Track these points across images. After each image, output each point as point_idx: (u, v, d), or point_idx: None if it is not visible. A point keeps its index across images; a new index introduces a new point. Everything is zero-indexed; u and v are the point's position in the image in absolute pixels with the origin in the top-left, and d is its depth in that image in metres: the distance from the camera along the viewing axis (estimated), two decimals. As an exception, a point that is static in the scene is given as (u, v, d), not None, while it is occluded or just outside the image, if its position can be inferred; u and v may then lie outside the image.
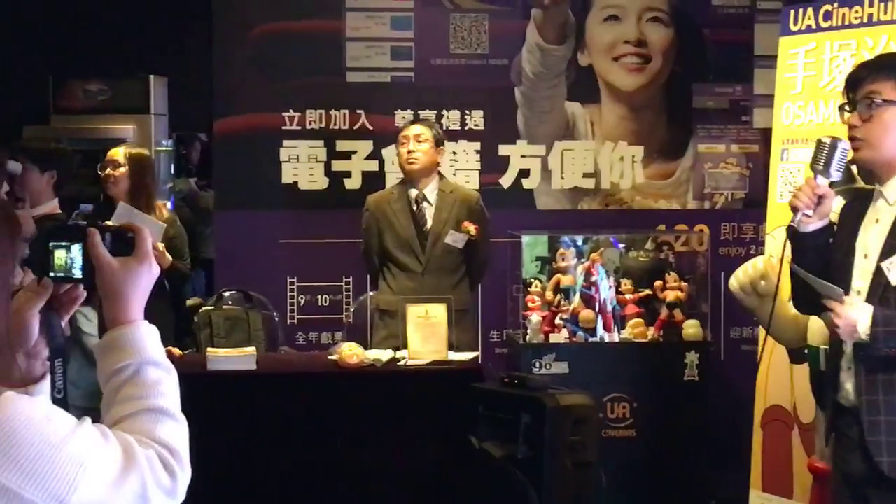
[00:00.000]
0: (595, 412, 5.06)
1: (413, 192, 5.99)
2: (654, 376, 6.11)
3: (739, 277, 4.74)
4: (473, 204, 6.05)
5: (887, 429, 3.28)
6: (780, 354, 5.36)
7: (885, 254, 3.32)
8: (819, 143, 3.39)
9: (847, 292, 3.37)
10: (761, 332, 5.67)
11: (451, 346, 5.55)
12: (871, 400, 3.30)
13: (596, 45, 7.02)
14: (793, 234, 3.42)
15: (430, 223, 5.97)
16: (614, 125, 7.05)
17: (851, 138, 3.37)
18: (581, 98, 7.02)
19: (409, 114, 6.87)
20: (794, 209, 3.40)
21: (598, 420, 5.25)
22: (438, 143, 5.98)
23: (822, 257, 3.42)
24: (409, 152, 5.92)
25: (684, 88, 7.06)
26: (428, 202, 5.99)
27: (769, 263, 4.82)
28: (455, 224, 5.94)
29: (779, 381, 5.60)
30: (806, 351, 4.81)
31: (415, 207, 5.99)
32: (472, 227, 5.91)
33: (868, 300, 3.31)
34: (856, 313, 3.25)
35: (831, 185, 3.76)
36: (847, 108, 3.41)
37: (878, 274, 3.31)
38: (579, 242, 6.41)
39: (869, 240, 3.38)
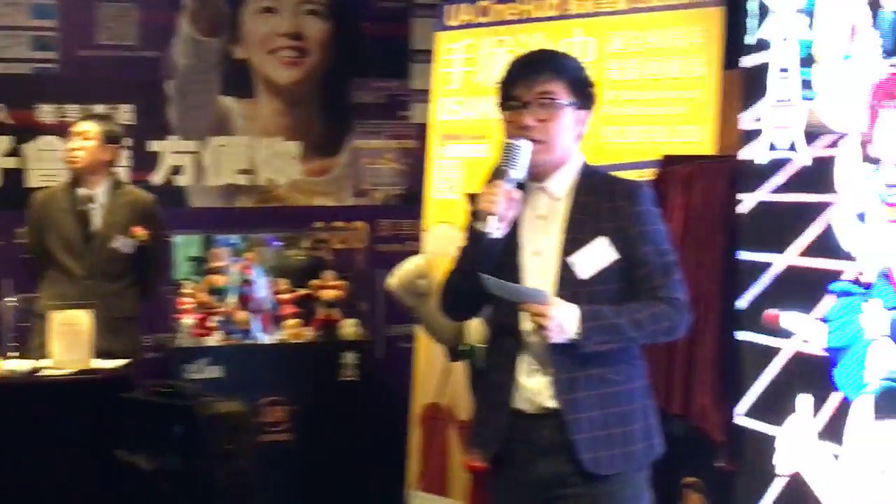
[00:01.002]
0: (249, 418, 4.93)
1: (80, 192, 5.66)
2: (311, 377, 6.03)
3: (398, 276, 4.70)
4: (147, 208, 5.77)
5: (588, 426, 3.26)
6: (437, 352, 5.35)
7: (567, 250, 3.29)
8: (508, 145, 3.29)
9: None
10: (418, 329, 5.65)
11: (110, 356, 5.26)
12: (571, 399, 3.27)
13: (251, 37, 6.87)
14: (479, 239, 3.30)
15: (96, 225, 5.65)
16: (270, 120, 6.92)
17: (527, 138, 3.30)
18: (236, 92, 6.85)
19: (52, 108, 6.54)
20: (487, 214, 3.27)
21: (253, 426, 5.12)
22: (111, 140, 5.69)
23: (493, 259, 3.35)
24: (70, 150, 5.61)
25: (342, 83, 6.99)
26: (93, 203, 5.67)
27: (428, 261, 4.78)
28: (124, 228, 5.64)
29: (436, 378, 5.60)
30: (461, 349, 4.79)
31: (81, 208, 5.66)
32: (142, 233, 5.63)
33: (558, 297, 3.26)
34: (562, 313, 3.21)
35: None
36: (512, 105, 3.33)
37: (565, 270, 3.28)
38: (235, 241, 6.26)
39: (537, 237, 3.34)
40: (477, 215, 3.27)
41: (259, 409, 5.79)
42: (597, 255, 3.28)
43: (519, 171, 3.26)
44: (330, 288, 6.26)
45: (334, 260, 6.49)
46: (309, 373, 6.01)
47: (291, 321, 6.12)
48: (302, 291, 6.24)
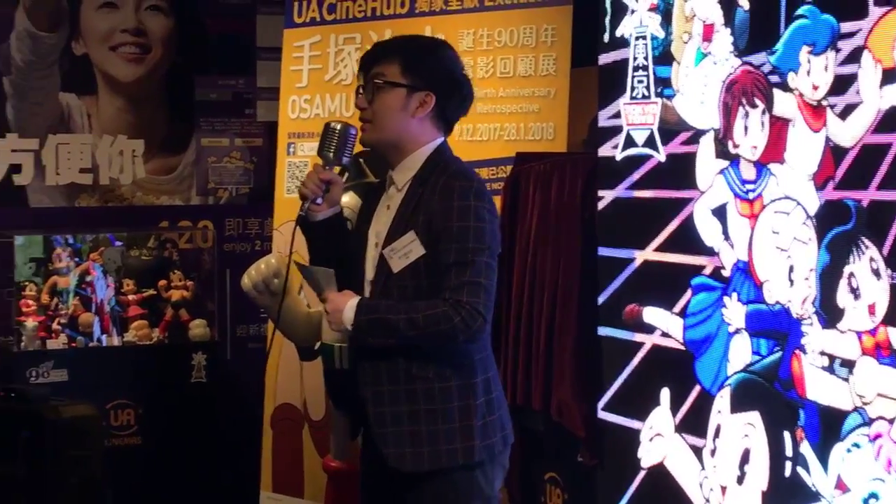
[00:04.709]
0: (99, 422, 4.85)
1: None
2: (160, 379, 5.96)
3: (252, 275, 4.61)
4: None
5: (392, 420, 3.24)
6: (289, 352, 5.30)
7: (388, 241, 3.29)
8: (327, 127, 3.34)
9: (362, 283, 3.33)
10: (270, 329, 5.60)
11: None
12: (377, 391, 3.26)
13: (91, 33, 6.70)
14: (304, 223, 3.34)
15: None
16: (113, 118, 6.76)
17: (361, 121, 3.32)
18: (77, 89, 6.68)
19: None
20: (303, 198, 3.31)
21: (101, 430, 5.01)
22: None
23: (337, 247, 3.35)
24: None
25: (186, 80, 6.87)
26: None
27: (281, 260, 4.72)
28: None
29: (289, 378, 5.55)
30: (317, 347, 4.75)
31: None
32: None
33: (373, 288, 3.29)
34: (339, 301, 3.22)
35: (344, 177, 3.71)
36: (361, 91, 3.36)
37: (381, 262, 3.28)
38: (77, 242, 6.12)
39: (379, 227, 3.36)
40: (302, 199, 3.33)
41: (106, 413, 5.67)
42: (406, 249, 3.26)
43: (338, 155, 3.30)
44: (177, 288, 6.18)
45: (181, 260, 6.39)
46: (157, 375, 5.93)
47: (138, 322, 6.02)
48: (149, 292, 6.15)
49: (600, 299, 4.10)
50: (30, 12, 6.56)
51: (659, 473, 3.86)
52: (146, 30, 6.79)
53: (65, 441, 4.58)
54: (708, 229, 3.65)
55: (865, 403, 3.14)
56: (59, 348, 5.81)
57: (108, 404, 5.74)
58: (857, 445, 3.18)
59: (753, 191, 3.49)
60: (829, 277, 3.23)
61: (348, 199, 3.93)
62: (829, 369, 3.24)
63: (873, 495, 3.14)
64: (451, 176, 3.29)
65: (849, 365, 3.18)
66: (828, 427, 3.26)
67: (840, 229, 3.19)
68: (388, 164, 3.39)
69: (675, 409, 3.79)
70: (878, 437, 3.12)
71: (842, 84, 3.19)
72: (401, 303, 3.22)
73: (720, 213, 3.60)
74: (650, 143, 3.88)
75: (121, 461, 5.57)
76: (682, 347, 3.75)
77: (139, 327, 6.04)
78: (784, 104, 3.36)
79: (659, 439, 3.85)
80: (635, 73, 3.94)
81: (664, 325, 3.82)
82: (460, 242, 3.19)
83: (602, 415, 4.10)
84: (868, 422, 3.14)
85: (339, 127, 3.30)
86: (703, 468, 3.69)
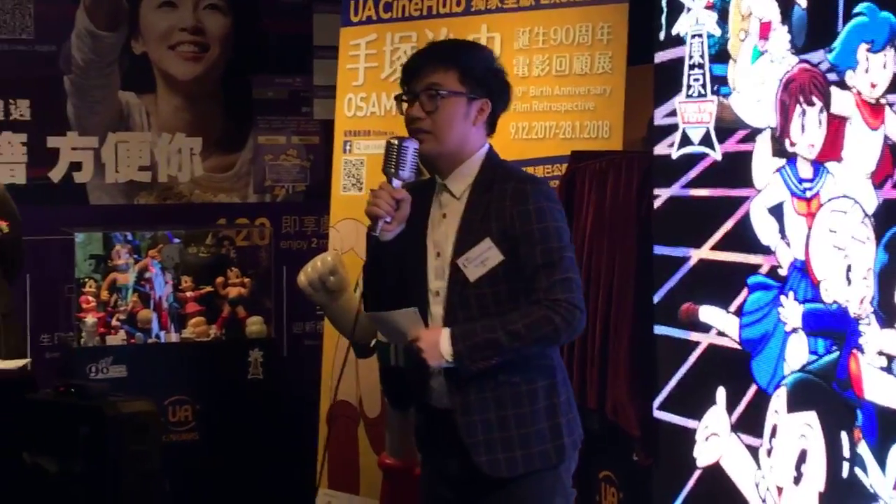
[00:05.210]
0: (157, 418, 4.87)
1: None
2: (217, 376, 5.97)
3: (308, 273, 4.64)
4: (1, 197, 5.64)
5: (483, 428, 3.22)
6: (344, 349, 5.31)
7: (458, 251, 3.26)
8: (389, 144, 3.27)
9: (426, 294, 3.30)
10: (326, 326, 5.62)
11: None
12: (463, 401, 3.24)
13: (150, 32, 6.79)
14: (375, 243, 3.29)
15: None
16: (171, 116, 6.84)
17: (415, 131, 3.29)
18: (136, 87, 6.77)
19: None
20: (374, 217, 3.24)
21: (160, 426, 5.04)
22: None
23: (400, 263, 3.33)
24: None
25: (243, 78, 6.94)
26: None
27: (337, 258, 4.74)
28: None
29: (345, 376, 5.56)
30: (373, 345, 4.76)
31: None
32: (3, 224, 5.50)
33: (448, 300, 3.25)
34: (431, 339, 3.18)
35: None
36: (405, 98, 3.32)
37: (455, 272, 3.24)
38: (136, 239, 6.17)
39: (438, 237, 3.32)
40: (373, 219, 3.25)
41: (164, 409, 5.71)
42: (483, 257, 3.22)
43: (403, 170, 3.23)
44: (234, 285, 6.21)
45: (238, 257, 6.43)
46: (214, 371, 5.95)
47: (196, 319, 6.06)
48: (206, 289, 6.18)
49: (656, 298, 4.08)
50: (90, 12, 6.65)
51: (714, 473, 3.84)
52: (204, 28, 6.87)
53: (124, 437, 4.57)
54: (764, 228, 3.63)
55: (924, 404, 3.12)
56: (118, 344, 5.85)
57: (166, 400, 5.78)
58: (915, 446, 3.16)
59: (811, 189, 3.46)
60: (887, 277, 3.20)
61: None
62: (888, 369, 3.21)
63: (932, 496, 3.11)
64: (519, 180, 3.28)
65: (907, 365, 3.16)
66: (886, 427, 3.23)
67: (898, 228, 3.17)
68: (435, 172, 3.35)
69: (730, 408, 3.77)
70: (936, 437, 3.10)
71: (901, 82, 3.16)
72: (491, 319, 3.18)
73: (777, 211, 3.58)
74: (706, 141, 3.87)
75: (178, 457, 5.59)
76: (738, 347, 3.73)
77: (197, 324, 6.07)
78: (842, 102, 3.33)
79: (714, 439, 3.84)
80: (691, 72, 3.92)
81: (720, 324, 3.80)
82: (544, 243, 3.19)
83: (657, 414, 4.09)
84: (927, 422, 3.11)
85: (403, 142, 3.24)
86: (760, 468, 3.67)
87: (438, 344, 3.17)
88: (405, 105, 3.31)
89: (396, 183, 3.23)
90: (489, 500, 3.28)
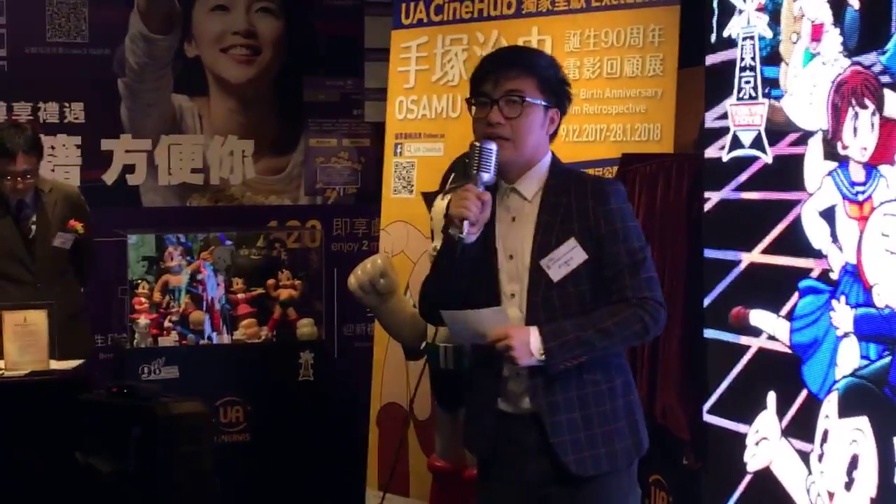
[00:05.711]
0: (208, 419, 4.88)
1: (11, 200, 5.58)
2: (268, 377, 5.99)
3: (358, 275, 4.65)
4: (76, 199, 5.74)
5: (569, 427, 3.25)
6: (395, 351, 5.32)
7: (538, 253, 3.26)
8: (472, 147, 3.26)
9: (498, 297, 3.30)
10: (376, 328, 5.63)
11: (63, 355, 5.19)
12: (549, 402, 3.25)
13: (203, 35, 6.82)
14: (455, 245, 3.26)
15: (34, 227, 5.58)
16: (223, 118, 6.87)
17: (491, 136, 3.27)
18: (188, 90, 6.80)
19: (2, 106, 6.44)
20: (462, 219, 3.22)
21: (211, 426, 5.07)
22: (41, 156, 5.61)
23: (473, 265, 3.33)
24: (13, 186, 5.48)
25: (295, 81, 6.96)
26: (28, 206, 5.59)
27: (388, 261, 4.75)
28: (61, 224, 5.59)
29: (395, 378, 5.57)
30: (423, 348, 4.77)
31: (14, 214, 5.58)
32: (79, 225, 5.58)
33: (529, 301, 3.26)
34: (522, 337, 3.18)
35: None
36: (476, 102, 3.31)
37: (537, 273, 3.26)
38: (188, 241, 6.21)
39: (510, 239, 3.32)
40: (451, 221, 3.24)
41: (215, 410, 5.74)
42: (567, 257, 3.25)
43: (488, 174, 3.24)
44: (285, 287, 6.23)
45: (289, 259, 6.45)
46: (265, 373, 5.97)
47: (247, 320, 6.08)
48: (257, 291, 6.20)
49: (706, 301, 4.07)
50: (144, 15, 6.69)
51: (765, 478, 3.82)
52: (257, 31, 6.90)
53: (175, 437, 4.59)
54: (816, 231, 3.60)
55: (977, 410, 3.08)
56: (170, 345, 5.88)
57: (218, 401, 5.81)
58: (968, 453, 3.12)
59: (863, 192, 3.43)
60: (940, 281, 3.18)
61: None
62: (940, 375, 3.18)
63: (985, 504, 3.08)
64: (596, 181, 3.37)
65: (960, 371, 3.13)
66: (939, 434, 3.21)
67: (952, 233, 3.14)
68: (501, 177, 3.34)
69: (781, 413, 3.75)
70: None
71: (954, 84, 3.13)
72: (580, 318, 3.21)
73: (828, 215, 3.55)
74: (757, 144, 3.84)
75: (230, 458, 5.62)
76: (789, 351, 3.70)
77: (248, 325, 6.08)
78: (894, 105, 3.30)
79: (765, 443, 3.81)
80: (742, 74, 3.90)
81: (771, 328, 3.78)
82: (627, 243, 3.25)
83: (707, 418, 4.07)
84: (980, 429, 3.08)
85: (487, 146, 3.23)
86: (811, 473, 3.64)
87: (529, 342, 3.18)
88: (478, 108, 3.31)
89: (481, 186, 3.24)
90: (563, 502, 3.30)
